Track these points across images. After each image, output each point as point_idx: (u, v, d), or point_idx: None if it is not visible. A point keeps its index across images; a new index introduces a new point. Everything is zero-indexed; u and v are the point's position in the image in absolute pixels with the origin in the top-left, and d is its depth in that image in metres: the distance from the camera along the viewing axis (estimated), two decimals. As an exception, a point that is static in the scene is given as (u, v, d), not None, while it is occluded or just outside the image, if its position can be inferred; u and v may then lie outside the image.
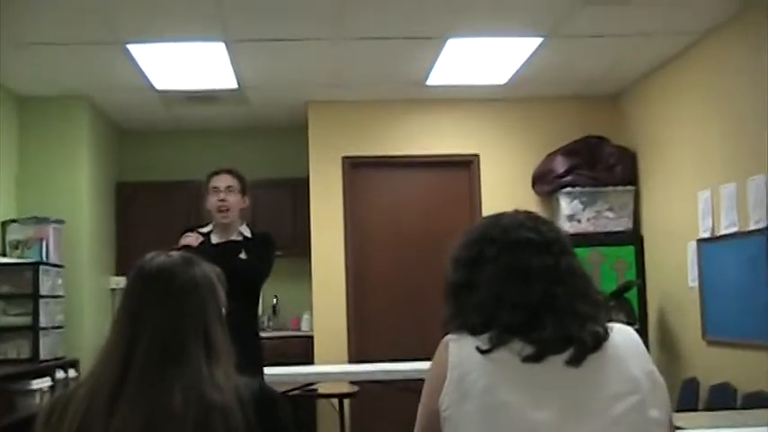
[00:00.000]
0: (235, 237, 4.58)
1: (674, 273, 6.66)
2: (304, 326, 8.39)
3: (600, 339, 1.85)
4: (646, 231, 7.33)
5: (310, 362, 7.45)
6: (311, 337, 7.76)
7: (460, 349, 1.85)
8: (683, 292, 6.50)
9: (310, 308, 7.92)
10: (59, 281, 6.98)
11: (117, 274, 8.24)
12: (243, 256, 4.50)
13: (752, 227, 5.50)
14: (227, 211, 4.53)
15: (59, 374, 6.63)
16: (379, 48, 6.25)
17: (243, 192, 4.61)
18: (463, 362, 1.83)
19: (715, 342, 6.04)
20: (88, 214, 7.50)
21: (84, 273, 7.42)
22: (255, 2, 5.27)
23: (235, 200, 4.55)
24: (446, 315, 1.95)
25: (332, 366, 6.98)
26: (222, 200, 4.51)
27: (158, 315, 1.83)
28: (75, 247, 7.30)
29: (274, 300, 8.60)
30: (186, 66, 6.61)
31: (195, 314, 1.85)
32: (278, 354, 7.28)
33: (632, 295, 7.01)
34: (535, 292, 1.88)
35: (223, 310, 1.92)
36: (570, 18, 5.65)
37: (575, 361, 1.82)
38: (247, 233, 4.62)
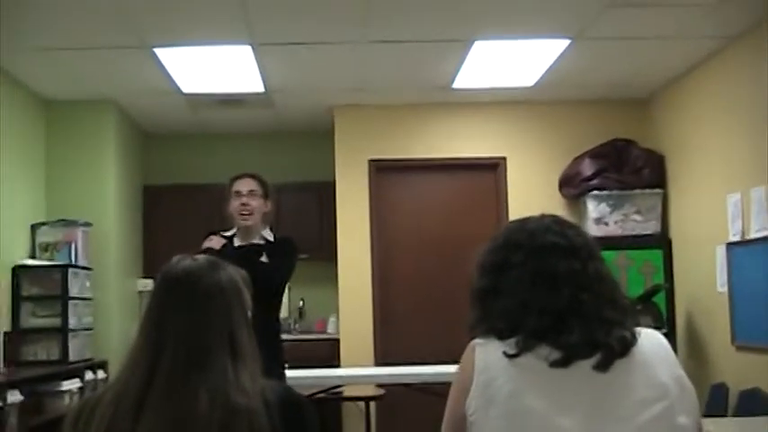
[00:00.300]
0: (257, 240, 4.61)
1: (703, 277, 6.60)
2: (330, 329, 8.39)
3: (627, 344, 1.84)
4: (674, 235, 7.27)
5: (336, 365, 7.45)
6: (337, 340, 7.76)
7: (487, 354, 1.85)
8: (711, 296, 6.44)
9: (336, 311, 7.93)
10: (87, 283, 7.04)
11: (144, 277, 8.28)
12: (264, 259, 4.52)
13: (782, 230, 5.45)
14: (250, 215, 4.57)
15: (89, 376, 6.69)
16: (405, 51, 6.24)
17: (265, 196, 4.65)
18: (489, 367, 1.83)
19: (744, 347, 5.97)
20: (115, 217, 7.55)
21: (112, 275, 7.46)
22: (282, 5, 5.28)
23: (257, 204, 4.59)
24: (472, 320, 1.95)
25: (358, 369, 6.98)
26: (245, 204, 4.55)
27: (184, 319, 1.84)
28: (102, 249, 7.35)
29: (301, 303, 8.61)
30: (213, 69, 6.64)
31: (221, 318, 1.85)
32: (304, 356, 7.29)
33: (660, 299, 6.96)
34: (562, 297, 1.87)
35: (249, 314, 1.92)
36: (597, 20, 5.62)
37: (602, 366, 1.81)
38: (270, 237, 4.66)
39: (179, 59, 6.33)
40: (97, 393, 1.88)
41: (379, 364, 7.46)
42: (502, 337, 1.86)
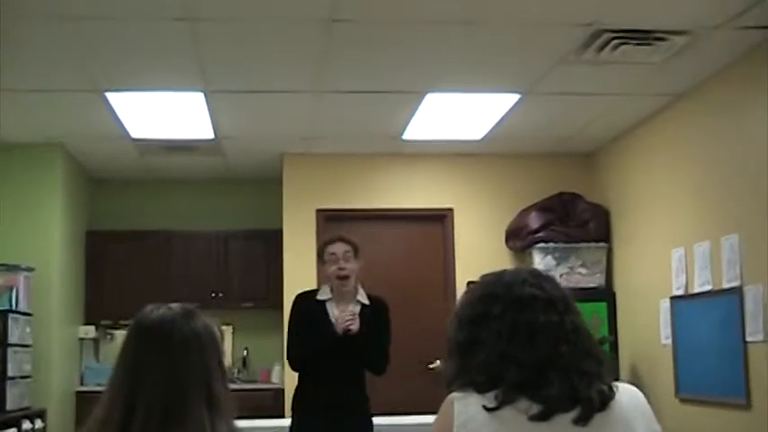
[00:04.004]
0: (352, 308, 4.71)
1: (647, 330, 6.68)
2: (275, 378, 8.31)
3: (606, 398, 1.85)
4: (618, 288, 7.37)
5: (281, 415, 7.35)
6: (282, 390, 7.67)
7: (466, 407, 1.84)
8: (655, 349, 6.53)
9: (281, 360, 7.84)
10: (28, 329, 6.87)
11: (86, 324, 8.14)
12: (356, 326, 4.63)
13: (725, 285, 5.55)
14: (347, 278, 4.70)
15: (26, 425, 6.49)
16: (358, 101, 6.28)
17: (356, 255, 4.77)
18: (469, 421, 1.82)
19: (688, 400, 6.05)
20: (59, 262, 7.41)
21: (54, 322, 7.30)
22: (236, 53, 5.29)
23: (352, 266, 4.71)
24: (450, 373, 1.94)
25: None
26: (342, 268, 4.67)
27: (160, 370, 1.79)
28: (44, 295, 7.19)
29: (245, 351, 8.51)
30: (163, 115, 6.61)
31: (197, 368, 1.81)
32: (247, 406, 7.15)
33: (605, 351, 7.02)
34: (541, 349, 1.87)
35: (224, 362, 1.89)
36: (547, 76, 5.72)
37: (582, 420, 1.82)
38: (365, 299, 4.79)
39: (129, 104, 6.28)
40: None
41: (324, 414, 7.37)
42: (480, 390, 1.86)
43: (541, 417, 1.81)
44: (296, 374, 7.29)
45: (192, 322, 1.86)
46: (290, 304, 4.94)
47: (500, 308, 1.92)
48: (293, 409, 4.88)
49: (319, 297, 4.79)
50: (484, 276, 2.04)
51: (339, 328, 4.59)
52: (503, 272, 2.02)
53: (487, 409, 1.82)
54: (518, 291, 1.94)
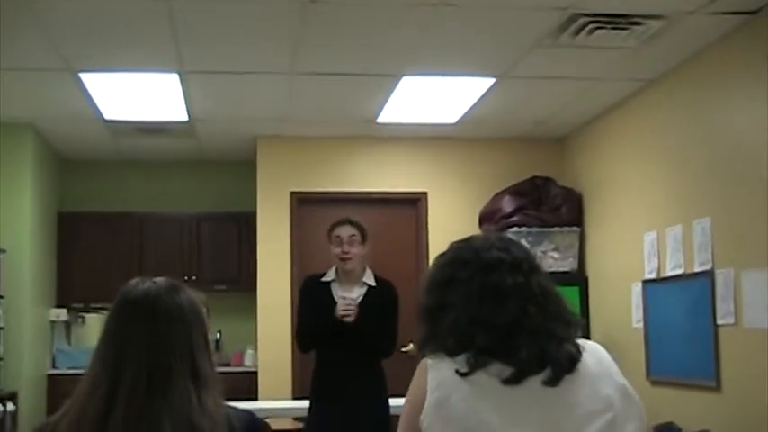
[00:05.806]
0: (357, 289, 4.83)
1: (619, 313, 6.74)
2: (247, 361, 8.30)
3: (574, 360, 1.91)
4: (590, 272, 7.42)
5: (254, 398, 7.36)
6: (255, 373, 7.68)
7: (440, 372, 1.89)
8: (627, 332, 6.58)
9: (254, 343, 7.85)
10: (-1, 311, 6.83)
11: (57, 306, 8.08)
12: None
13: (697, 269, 5.60)
14: (350, 259, 4.82)
15: (-3, 407, 6.47)
16: (333, 83, 6.26)
17: (363, 240, 4.86)
18: (442, 384, 1.87)
19: (659, 382, 6.11)
20: (30, 245, 7.35)
21: (25, 304, 7.24)
22: (212, 33, 5.26)
23: (357, 250, 4.85)
24: (422, 337, 1.99)
25: (275, 402, 6.89)
26: (345, 251, 4.80)
27: (145, 344, 1.79)
28: (15, 277, 7.13)
29: (217, 334, 8.49)
30: (137, 96, 6.56)
31: (182, 342, 1.81)
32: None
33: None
34: (509, 310, 1.92)
35: (209, 337, 1.89)
36: (522, 60, 5.74)
37: (551, 382, 1.89)
38: (371, 281, 4.89)
39: (103, 85, 6.24)
40: (53, 419, 1.82)
41: (297, 397, 7.39)
42: (452, 354, 1.90)
43: (514, 380, 1.87)
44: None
45: (177, 296, 1.85)
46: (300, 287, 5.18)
47: (468, 272, 1.97)
48: (311, 393, 4.99)
49: (324, 279, 4.90)
50: (454, 242, 2.08)
51: (337, 314, 4.67)
52: (472, 237, 2.08)
53: (461, 374, 1.87)
54: (486, 255, 1.99)
